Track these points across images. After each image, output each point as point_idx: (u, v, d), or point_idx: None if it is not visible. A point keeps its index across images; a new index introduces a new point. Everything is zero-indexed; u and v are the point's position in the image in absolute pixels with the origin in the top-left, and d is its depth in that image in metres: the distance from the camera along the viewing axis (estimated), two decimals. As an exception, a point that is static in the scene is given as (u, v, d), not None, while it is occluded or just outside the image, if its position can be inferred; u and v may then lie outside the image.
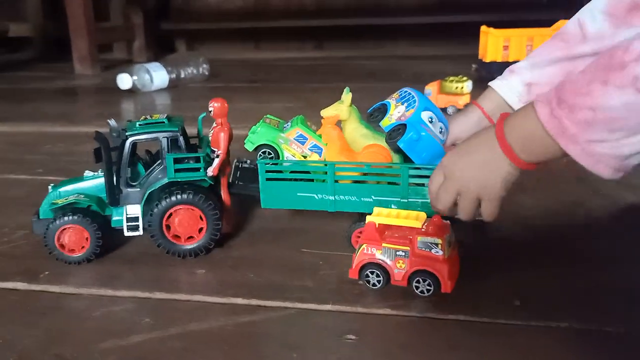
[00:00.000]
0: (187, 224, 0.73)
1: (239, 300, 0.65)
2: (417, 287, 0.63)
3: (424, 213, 0.66)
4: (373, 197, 0.71)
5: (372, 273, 0.65)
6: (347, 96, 0.74)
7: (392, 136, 0.70)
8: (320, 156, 0.74)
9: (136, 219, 0.73)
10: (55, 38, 3.05)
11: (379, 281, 0.65)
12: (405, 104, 0.71)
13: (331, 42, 2.96)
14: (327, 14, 2.87)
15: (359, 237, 0.70)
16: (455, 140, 0.74)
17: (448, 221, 0.65)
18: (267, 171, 0.73)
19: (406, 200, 0.70)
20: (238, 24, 2.92)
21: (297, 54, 2.93)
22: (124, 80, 1.94)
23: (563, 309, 0.61)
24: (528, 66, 0.73)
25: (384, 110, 0.73)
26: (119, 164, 0.73)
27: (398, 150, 0.71)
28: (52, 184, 0.76)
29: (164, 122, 0.74)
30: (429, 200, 0.65)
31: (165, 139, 0.72)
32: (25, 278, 0.71)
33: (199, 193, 0.72)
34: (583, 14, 0.69)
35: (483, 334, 0.58)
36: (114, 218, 0.74)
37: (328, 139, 0.74)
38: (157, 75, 2.00)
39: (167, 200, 0.71)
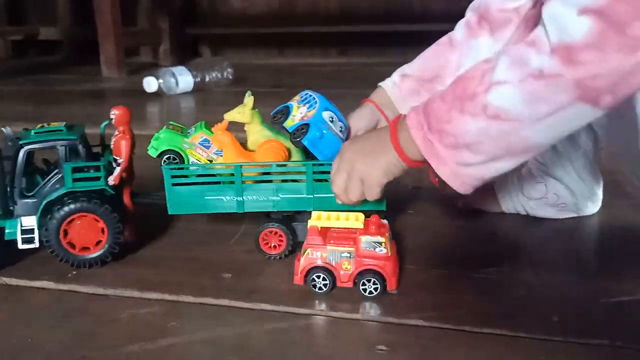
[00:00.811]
0: (87, 233, 0.71)
1: (266, 306, 0.64)
2: (364, 289, 0.64)
3: (362, 214, 0.66)
4: (280, 195, 0.73)
5: (318, 277, 0.65)
6: (249, 99, 0.75)
7: (296, 135, 0.72)
8: None
9: (31, 230, 0.71)
10: (83, 41, 3.10)
11: (325, 284, 0.65)
12: (307, 105, 0.74)
13: (355, 48, 2.95)
14: (351, 20, 2.86)
15: (266, 237, 0.73)
16: (355, 134, 0.78)
17: (386, 220, 0.68)
18: (173, 176, 0.73)
19: (312, 196, 0.72)
20: (262, 29, 2.93)
21: (321, 59, 2.93)
22: (151, 84, 1.96)
23: (603, 327, 0.59)
24: (413, 62, 0.81)
25: (286, 112, 0.75)
26: (13, 173, 0.70)
27: (302, 149, 0.74)
28: None
29: (62, 130, 0.72)
30: (333, 195, 0.69)
31: (63, 147, 0.70)
32: (54, 277, 0.71)
33: (97, 200, 0.70)
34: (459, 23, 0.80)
35: (521, 350, 0.55)
36: (7, 230, 0.70)
37: (222, 146, 0.74)
38: (183, 79, 2.01)
39: (65, 208, 0.69)
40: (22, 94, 2.18)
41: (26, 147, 0.70)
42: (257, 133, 0.76)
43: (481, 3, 0.79)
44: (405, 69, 0.81)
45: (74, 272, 0.72)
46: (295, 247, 0.74)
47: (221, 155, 0.74)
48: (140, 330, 0.60)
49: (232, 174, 0.72)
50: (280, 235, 0.74)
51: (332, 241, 0.65)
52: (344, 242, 0.65)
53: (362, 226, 0.65)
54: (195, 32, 3.06)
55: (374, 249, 0.64)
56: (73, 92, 2.17)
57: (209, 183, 0.73)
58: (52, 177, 0.71)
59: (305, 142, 0.72)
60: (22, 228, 0.70)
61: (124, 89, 2.27)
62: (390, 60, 2.94)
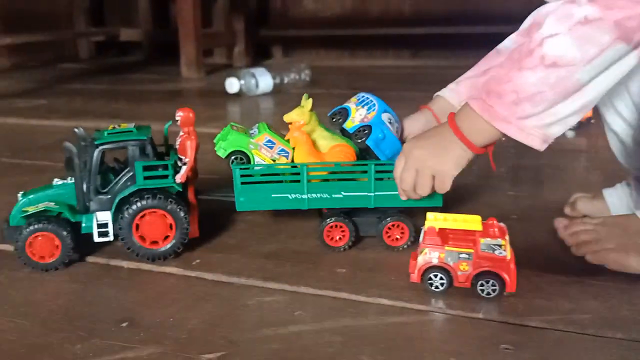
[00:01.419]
0: (157, 228, 0.75)
1: (385, 301, 0.66)
2: (482, 290, 0.66)
3: (478, 216, 0.68)
4: (343, 193, 0.77)
5: (435, 276, 0.67)
6: (307, 102, 0.78)
7: (358, 136, 0.77)
8: (287, 159, 0.79)
9: (106, 225, 0.75)
10: (160, 43, 3.25)
11: (442, 284, 0.67)
12: (366, 107, 0.78)
13: (428, 51, 2.94)
14: (424, 21, 2.85)
15: (329, 232, 0.78)
16: (407, 137, 0.82)
17: (504, 224, 0.69)
18: (242, 175, 0.76)
19: (373, 194, 0.76)
20: (335, 31, 2.97)
21: (393, 61, 2.94)
22: (233, 85, 2.03)
23: None
24: (467, 73, 0.85)
25: (344, 114, 0.79)
26: (89, 172, 0.74)
27: (363, 149, 0.78)
28: (21, 192, 0.77)
29: (132, 131, 0.76)
30: (394, 193, 0.75)
31: (134, 147, 0.75)
32: (180, 264, 0.76)
33: (168, 197, 0.74)
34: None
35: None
36: (84, 224, 0.75)
37: (296, 143, 0.78)
38: (263, 80, 2.07)
39: (137, 204, 0.73)
40: (108, 93, 2.31)
41: (101, 147, 0.74)
42: (315, 133, 0.79)
43: (538, 12, 0.78)
44: (458, 78, 0.85)
45: (198, 261, 0.77)
46: (356, 240, 0.79)
47: (284, 155, 0.79)
48: (269, 316, 0.64)
49: (297, 173, 0.77)
50: (343, 229, 0.78)
51: (450, 242, 0.67)
52: (462, 243, 0.67)
53: (481, 228, 0.66)
54: (268, 34, 3.14)
55: (494, 251, 0.65)
56: (157, 91, 2.27)
57: (275, 182, 0.78)
58: (124, 175, 0.76)
59: (369, 143, 0.76)
60: (98, 222, 0.75)
61: (204, 89, 2.37)
62: (464, 63, 2.90)
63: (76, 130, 0.76)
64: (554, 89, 0.61)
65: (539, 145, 0.64)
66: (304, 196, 0.77)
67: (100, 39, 3.37)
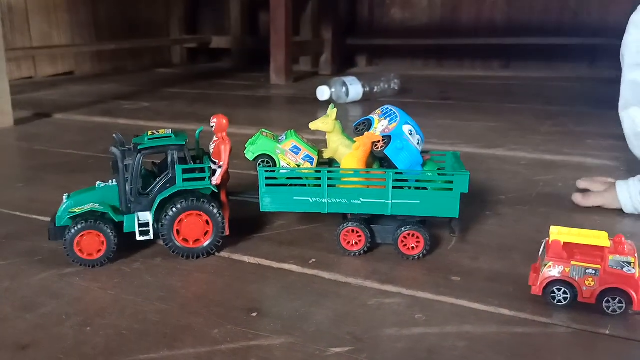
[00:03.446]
0: (195, 228, 0.79)
1: (506, 311, 0.67)
2: (607, 307, 0.65)
3: (605, 232, 0.67)
4: (361, 199, 0.79)
5: (558, 290, 0.66)
6: (332, 111, 0.83)
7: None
8: (311, 165, 0.84)
9: (147, 224, 0.79)
10: (249, 50, 3.37)
11: (565, 298, 0.66)
12: (388, 119, 0.82)
13: (520, 62, 2.87)
14: (517, 31, 2.79)
15: (346, 236, 0.80)
16: None
17: (632, 241, 0.68)
18: (267, 178, 0.80)
19: (390, 202, 0.78)
20: (422, 40, 2.96)
21: (482, 72, 2.90)
22: (324, 92, 2.08)
23: None
24: None
25: (368, 124, 0.83)
26: (131, 175, 0.78)
27: (382, 159, 0.81)
28: (66, 194, 0.81)
29: (171, 137, 0.79)
30: (411, 202, 0.78)
31: (174, 151, 0.78)
32: (298, 262, 0.80)
33: (210, 200, 0.79)
34: None
35: None
36: (126, 224, 0.79)
37: (361, 147, 0.80)
38: (353, 89, 2.11)
39: (181, 205, 0.78)
40: (204, 97, 2.42)
41: (144, 152, 0.78)
42: (338, 142, 0.84)
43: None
44: None
45: (314, 260, 0.81)
46: (372, 246, 0.82)
47: (309, 161, 0.84)
48: (391, 317, 0.66)
49: (319, 178, 0.80)
50: (359, 234, 0.80)
51: (577, 257, 0.66)
52: (589, 258, 0.66)
53: (609, 244, 0.65)
54: (355, 43, 3.18)
55: (622, 268, 0.64)
56: (251, 97, 2.36)
57: (297, 185, 0.81)
58: (164, 177, 0.80)
59: (387, 152, 0.79)
60: (139, 222, 0.80)
61: (293, 96, 2.43)
62: (560, 75, 2.85)
63: (115, 135, 0.81)
64: None
65: None
66: (324, 200, 0.80)
67: (193, 45, 3.55)
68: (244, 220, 0.92)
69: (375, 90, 2.17)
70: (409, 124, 0.82)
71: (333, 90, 2.09)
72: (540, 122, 1.70)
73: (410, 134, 0.81)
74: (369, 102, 2.13)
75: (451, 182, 0.77)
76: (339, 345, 0.60)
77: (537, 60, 2.77)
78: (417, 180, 0.79)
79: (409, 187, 0.79)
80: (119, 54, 3.17)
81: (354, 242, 0.81)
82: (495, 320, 0.65)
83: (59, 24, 2.87)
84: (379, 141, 0.80)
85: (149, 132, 0.82)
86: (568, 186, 1.11)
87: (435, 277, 0.75)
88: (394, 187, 0.78)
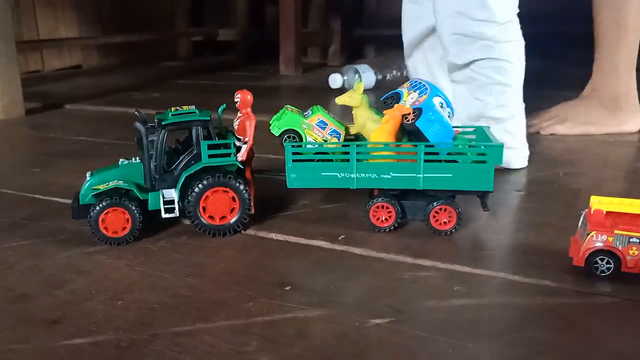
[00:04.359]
0: (221, 205, 0.77)
1: (548, 283, 0.65)
2: None
3: None
4: (392, 174, 0.76)
5: (601, 260, 0.64)
6: (359, 85, 0.81)
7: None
8: (339, 140, 0.81)
9: (172, 201, 0.77)
10: (255, 43, 3.35)
11: (608, 268, 0.65)
12: (418, 91, 0.79)
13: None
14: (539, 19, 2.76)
15: (376, 212, 0.78)
16: None
17: None
18: (294, 153, 0.78)
19: (422, 176, 0.75)
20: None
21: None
22: (337, 80, 2.06)
23: None
24: None
25: (396, 98, 0.81)
26: (156, 151, 0.76)
27: (412, 132, 0.77)
28: (89, 172, 0.79)
29: (195, 112, 0.77)
30: (443, 175, 0.75)
31: (198, 127, 0.76)
32: (327, 239, 0.78)
33: (235, 177, 0.77)
34: None
35: None
36: (151, 201, 0.78)
37: (391, 119, 0.77)
38: (365, 77, 2.08)
39: (207, 181, 0.76)
40: (212, 88, 2.40)
41: (168, 127, 0.75)
42: (365, 117, 0.82)
43: None
44: None
45: (343, 237, 0.79)
46: (402, 222, 0.80)
47: (335, 136, 0.81)
48: (428, 289, 0.64)
49: (347, 152, 0.78)
50: (389, 209, 0.78)
51: (620, 226, 0.64)
52: (632, 227, 0.64)
53: (655, 212, 0.63)
54: (363, 34, 3.15)
55: (667, 235, 0.62)
56: (262, 87, 2.34)
57: (325, 160, 0.79)
58: (189, 153, 0.78)
59: (418, 125, 0.76)
60: (164, 200, 0.78)
61: (303, 85, 2.41)
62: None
63: (137, 113, 0.78)
64: None
65: None
66: (353, 175, 0.77)
67: (199, 38, 3.53)
68: (268, 199, 0.90)
69: (387, 77, 2.15)
70: (439, 96, 0.80)
71: (345, 77, 2.07)
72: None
73: (441, 107, 0.79)
74: (382, 89, 2.10)
75: (484, 154, 0.75)
76: (379, 316, 0.58)
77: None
78: (448, 154, 0.77)
79: (441, 161, 0.77)
80: (126, 47, 3.14)
81: (383, 218, 0.79)
82: (538, 291, 0.63)
83: (66, 18, 2.85)
84: (409, 114, 0.78)
85: (172, 109, 0.80)
86: (595, 163, 1.09)
87: (470, 251, 0.74)
88: (425, 161, 0.76)
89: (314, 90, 2.15)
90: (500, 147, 0.75)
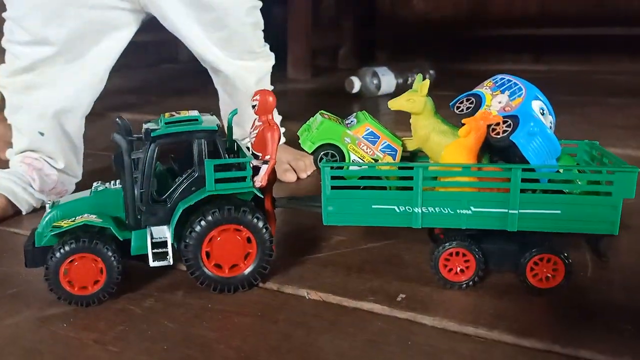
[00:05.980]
0: (232, 249, 0.56)
1: None
2: None
3: None
4: (472, 208, 0.54)
5: None
6: (422, 84, 0.59)
7: (498, 131, 0.55)
8: (394, 159, 0.60)
9: (164, 244, 0.56)
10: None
11: None
12: (507, 92, 0.58)
13: (553, 54, 2.64)
14: (549, 22, 2.56)
15: (447, 261, 0.56)
16: None
17: None
18: (333, 177, 0.56)
19: (517, 212, 0.53)
20: (446, 33, 2.75)
21: (512, 65, 2.66)
22: (354, 84, 1.85)
23: None
24: None
25: (477, 102, 0.59)
26: (142, 173, 0.54)
27: (503, 149, 0.55)
28: (50, 201, 0.58)
29: (197, 120, 0.55)
30: (550, 212, 0.53)
31: (201, 140, 0.54)
32: (381, 298, 0.56)
33: (252, 209, 0.55)
34: None
35: None
36: (134, 244, 0.56)
37: (474, 131, 0.55)
38: (385, 80, 1.88)
39: (212, 217, 0.54)
40: (215, 91, 2.20)
41: (159, 141, 0.54)
42: (429, 127, 0.59)
43: None
44: None
45: (403, 296, 0.56)
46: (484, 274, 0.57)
47: (390, 154, 0.60)
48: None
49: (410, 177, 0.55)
50: (467, 258, 0.56)
51: None
52: None
53: None
54: (375, 36, 2.97)
55: None
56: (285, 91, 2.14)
57: (376, 187, 0.58)
58: (187, 177, 0.56)
59: (515, 140, 0.54)
60: (153, 241, 0.56)
61: (315, 90, 2.21)
62: (597, 68, 2.61)
63: (118, 120, 0.57)
64: None
65: None
66: (417, 210, 0.56)
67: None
68: (292, 233, 0.68)
69: (409, 81, 1.93)
70: (539, 99, 0.58)
71: (364, 81, 1.86)
72: (611, 115, 1.46)
73: (542, 114, 0.57)
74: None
75: (610, 182, 0.53)
76: None
77: (572, 52, 2.55)
78: (549, 181, 0.55)
79: (546, 191, 0.55)
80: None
81: (458, 269, 0.57)
82: None
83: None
84: (498, 124, 0.56)
85: (166, 115, 0.58)
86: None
87: (594, 324, 0.51)
88: (522, 191, 0.54)
89: (327, 95, 1.95)
90: (634, 172, 0.52)
